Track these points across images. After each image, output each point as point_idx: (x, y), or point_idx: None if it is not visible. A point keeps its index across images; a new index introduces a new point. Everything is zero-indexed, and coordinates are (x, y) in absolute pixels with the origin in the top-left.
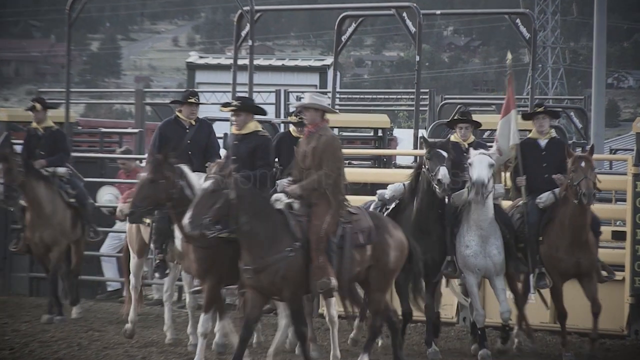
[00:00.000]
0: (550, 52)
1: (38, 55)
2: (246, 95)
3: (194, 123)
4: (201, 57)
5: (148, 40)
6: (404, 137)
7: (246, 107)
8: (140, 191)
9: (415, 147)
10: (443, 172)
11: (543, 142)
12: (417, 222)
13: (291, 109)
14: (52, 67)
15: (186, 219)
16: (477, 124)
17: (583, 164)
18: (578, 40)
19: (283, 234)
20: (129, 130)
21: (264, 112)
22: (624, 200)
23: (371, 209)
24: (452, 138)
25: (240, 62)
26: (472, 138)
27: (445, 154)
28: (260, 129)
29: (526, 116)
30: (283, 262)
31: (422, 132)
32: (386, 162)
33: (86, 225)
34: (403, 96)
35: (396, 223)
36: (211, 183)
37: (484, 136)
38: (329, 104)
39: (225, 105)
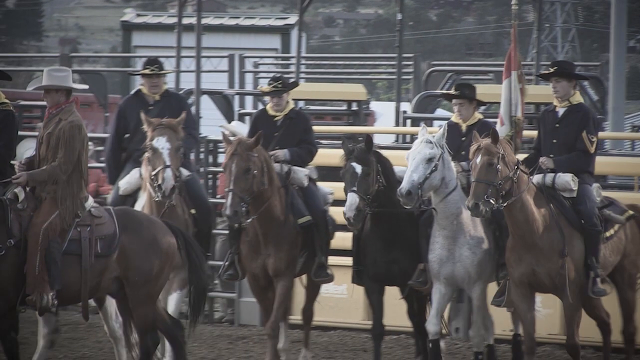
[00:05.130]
0: (560, 8)
1: None
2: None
3: (158, 98)
4: (139, 16)
5: None
6: (384, 111)
7: None
8: None
9: (397, 124)
10: (349, 203)
11: (561, 110)
12: (372, 229)
13: (263, 80)
14: None
15: None
16: (480, 102)
17: (479, 159)
18: None
19: None
20: None
21: (8, 78)
22: None
23: None
24: (452, 118)
25: (185, 21)
26: (476, 117)
27: (359, 169)
28: (5, 101)
29: (543, 78)
30: None
31: (406, 106)
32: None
33: None
34: (382, 62)
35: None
36: None
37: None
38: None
39: None
